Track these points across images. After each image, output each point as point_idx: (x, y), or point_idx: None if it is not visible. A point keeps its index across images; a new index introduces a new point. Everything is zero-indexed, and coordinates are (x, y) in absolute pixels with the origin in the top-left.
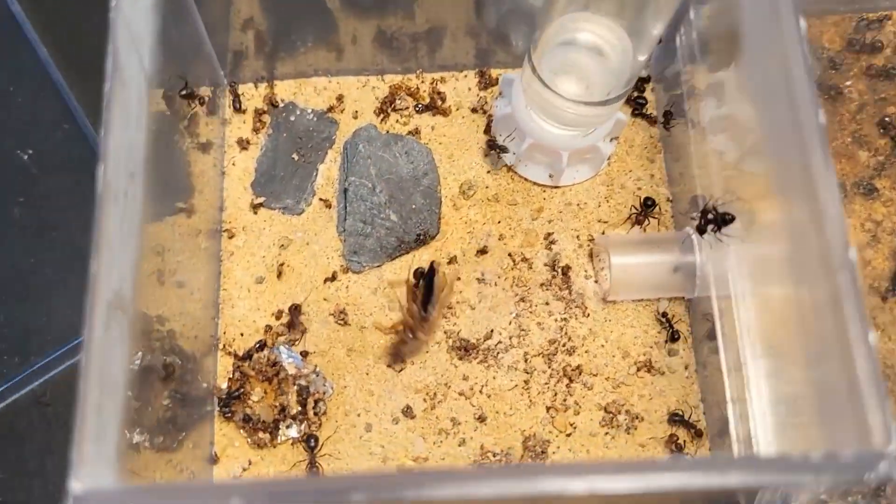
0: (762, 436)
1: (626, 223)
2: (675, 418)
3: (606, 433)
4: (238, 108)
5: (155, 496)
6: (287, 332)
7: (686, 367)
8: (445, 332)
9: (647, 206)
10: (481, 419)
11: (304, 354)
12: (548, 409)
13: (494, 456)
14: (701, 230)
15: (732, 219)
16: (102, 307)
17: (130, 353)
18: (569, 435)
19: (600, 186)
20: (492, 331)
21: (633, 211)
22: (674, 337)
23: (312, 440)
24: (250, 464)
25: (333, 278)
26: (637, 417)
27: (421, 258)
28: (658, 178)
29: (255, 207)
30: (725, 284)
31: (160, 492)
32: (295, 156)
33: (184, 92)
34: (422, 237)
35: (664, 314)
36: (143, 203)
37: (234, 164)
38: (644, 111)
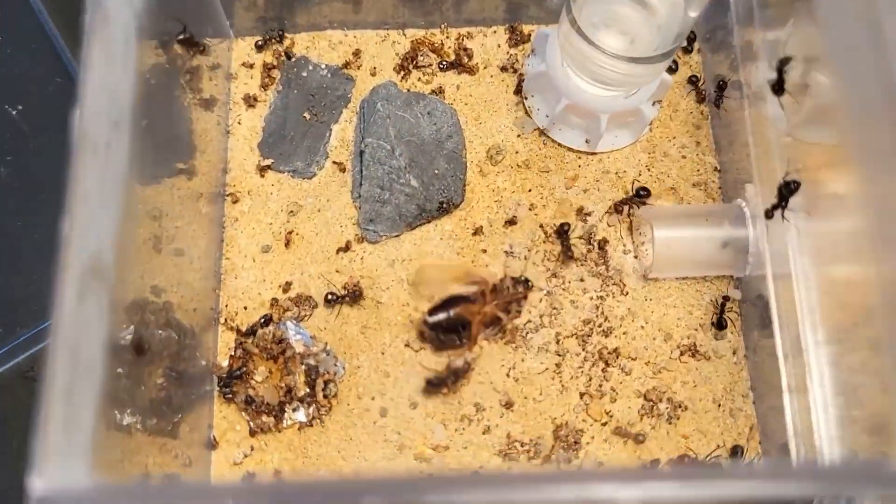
0: (824, 429)
1: (606, 214)
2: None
3: (646, 423)
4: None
5: (136, 498)
6: (295, 306)
7: (734, 352)
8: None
9: (640, 195)
10: (508, 405)
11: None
12: (581, 395)
13: (522, 446)
14: (773, 210)
15: (797, 186)
16: (76, 274)
17: (114, 327)
18: (604, 424)
19: (641, 154)
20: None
21: (625, 196)
22: (721, 324)
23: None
24: (252, 450)
25: (347, 248)
26: (680, 406)
27: (443, 228)
28: (705, 145)
29: (261, 170)
30: (784, 262)
31: (142, 493)
32: (307, 115)
33: (182, 37)
34: (444, 205)
35: (725, 298)
36: (130, 157)
37: (239, 123)
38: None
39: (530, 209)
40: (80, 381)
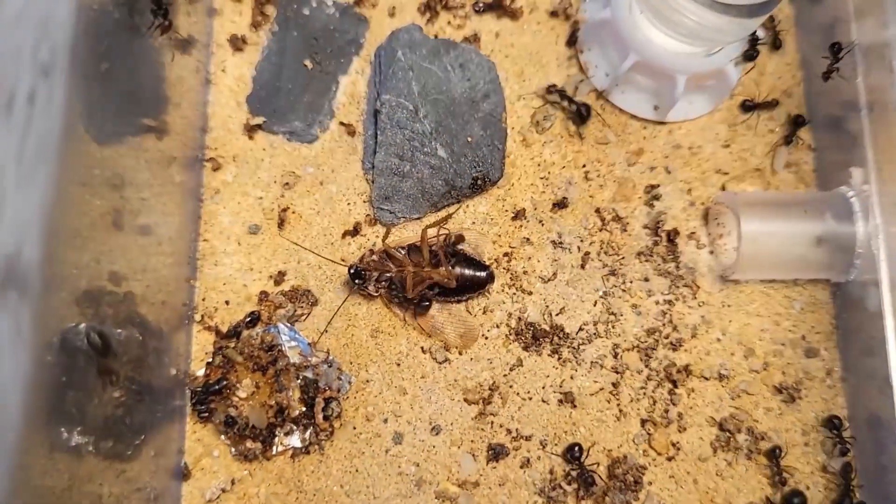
0: None
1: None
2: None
3: (721, 458)
4: None
5: None
6: (289, 302)
7: (828, 374)
8: (508, 314)
9: (798, 123)
10: (553, 433)
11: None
12: (643, 422)
13: (569, 484)
14: None
15: None
16: None
17: (40, 342)
18: (670, 459)
19: (720, 125)
20: (570, 314)
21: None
22: (843, 451)
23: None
24: (234, 483)
25: (356, 232)
26: (762, 438)
27: (477, 209)
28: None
29: (250, 130)
30: None
31: None
32: (308, 63)
33: None
34: (479, 181)
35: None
36: (71, 112)
37: (223, 71)
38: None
39: (584, 189)
40: None
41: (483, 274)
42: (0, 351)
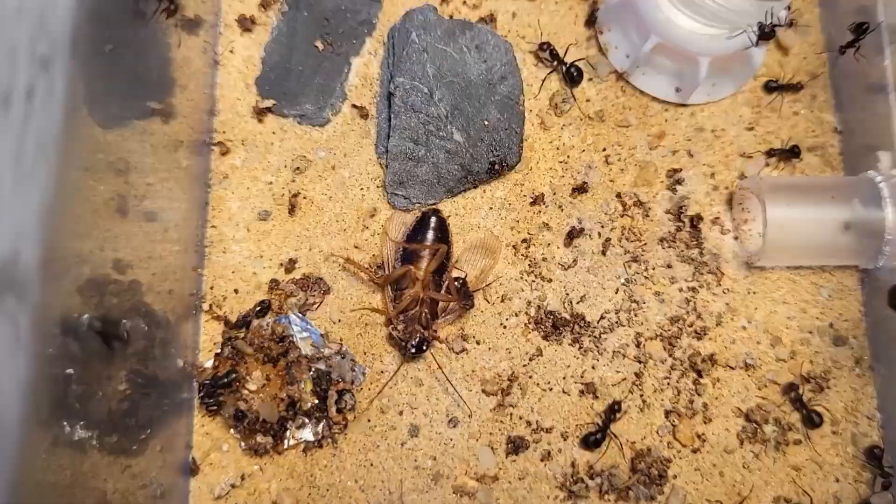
0: None
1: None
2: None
3: (747, 450)
4: None
5: None
6: (300, 291)
7: (857, 362)
8: (527, 302)
9: (794, 152)
10: (574, 424)
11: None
12: (668, 413)
13: (592, 478)
14: None
15: None
16: None
17: (40, 347)
18: (695, 451)
19: (743, 108)
20: (591, 301)
21: (773, 149)
22: (812, 420)
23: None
24: (244, 478)
25: (370, 218)
26: (790, 429)
27: (494, 195)
28: (822, 100)
29: (259, 113)
30: None
31: None
32: (319, 44)
33: None
34: (497, 166)
35: (794, 388)
36: (68, 106)
37: (232, 52)
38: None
39: (605, 174)
40: None
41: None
42: None
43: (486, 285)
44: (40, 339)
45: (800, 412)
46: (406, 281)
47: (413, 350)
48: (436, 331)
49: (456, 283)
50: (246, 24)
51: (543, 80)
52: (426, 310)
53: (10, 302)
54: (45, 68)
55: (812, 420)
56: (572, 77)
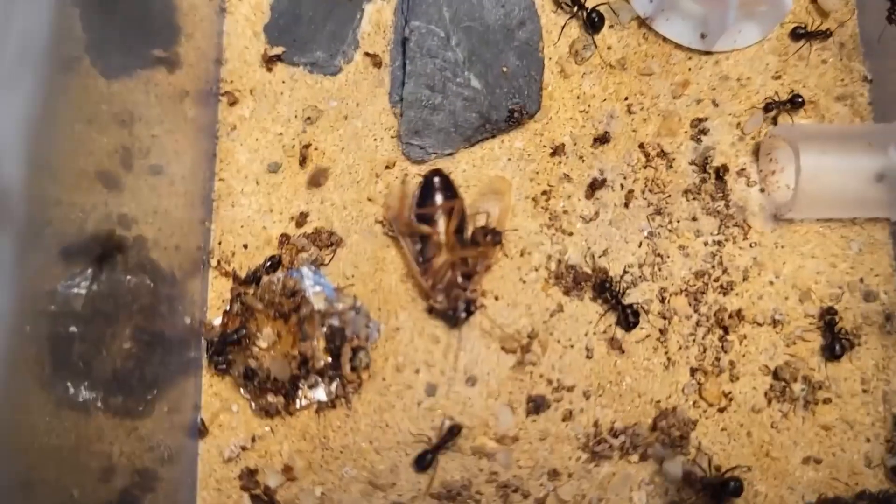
0: None
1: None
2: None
3: (775, 409)
4: None
5: None
6: (312, 245)
7: (888, 318)
8: (547, 256)
9: (796, 103)
10: (597, 383)
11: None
12: (693, 371)
13: (615, 437)
14: None
15: None
16: None
17: (37, 278)
18: (722, 410)
19: (769, 56)
20: (614, 256)
21: (771, 101)
22: (835, 350)
23: None
24: (254, 440)
25: (384, 169)
26: (819, 387)
27: (513, 145)
28: (850, 48)
29: (269, 62)
30: None
31: None
32: None
33: None
34: (516, 115)
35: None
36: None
37: None
38: None
39: (627, 123)
40: None
41: None
42: None
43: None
44: (32, 276)
45: (825, 338)
46: (430, 250)
47: (464, 315)
48: (475, 290)
49: (482, 230)
50: None
51: (563, 26)
52: (460, 271)
53: None
54: None
55: (833, 350)
56: (593, 23)
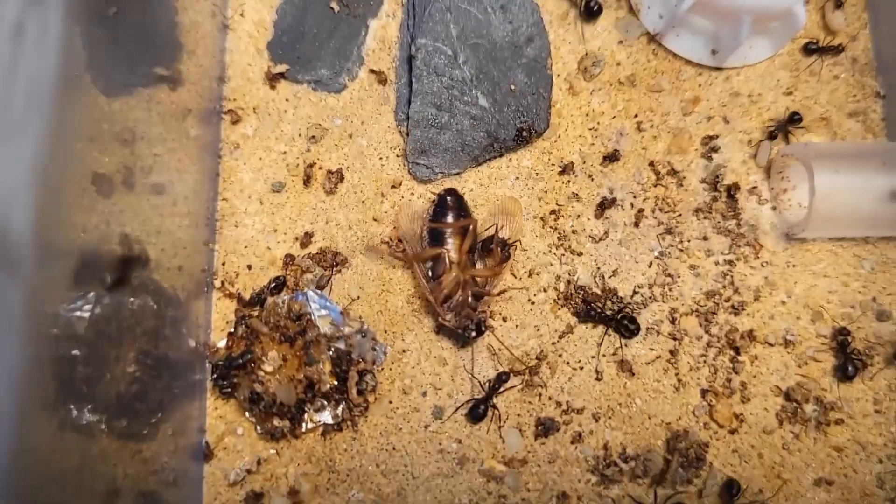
0: None
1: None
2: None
3: (787, 430)
4: None
5: None
6: (317, 266)
7: None
8: (556, 276)
9: (794, 120)
10: (606, 405)
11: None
12: (704, 393)
13: (626, 462)
14: None
15: None
16: None
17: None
18: (733, 431)
19: (781, 71)
20: (624, 276)
21: (773, 127)
22: (847, 370)
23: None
24: (260, 463)
25: (390, 189)
26: (832, 408)
27: (521, 164)
28: (864, 62)
29: (272, 79)
30: None
31: None
32: (335, 5)
33: None
34: (524, 133)
35: (844, 333)
36: (66, 54)
37: (242, 15)
38: None
39: (637, 141)
40: None
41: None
42: None
43: (515, 245)
44: (37, 312)
45: (837, 358)
46: (441, 267)
47: (473, 334)
48: (485, 310)
49: (494, 239)
50: None
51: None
52: (470, 290)
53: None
54: (38, 2)
55: (846, 371)
56: (591, 11)
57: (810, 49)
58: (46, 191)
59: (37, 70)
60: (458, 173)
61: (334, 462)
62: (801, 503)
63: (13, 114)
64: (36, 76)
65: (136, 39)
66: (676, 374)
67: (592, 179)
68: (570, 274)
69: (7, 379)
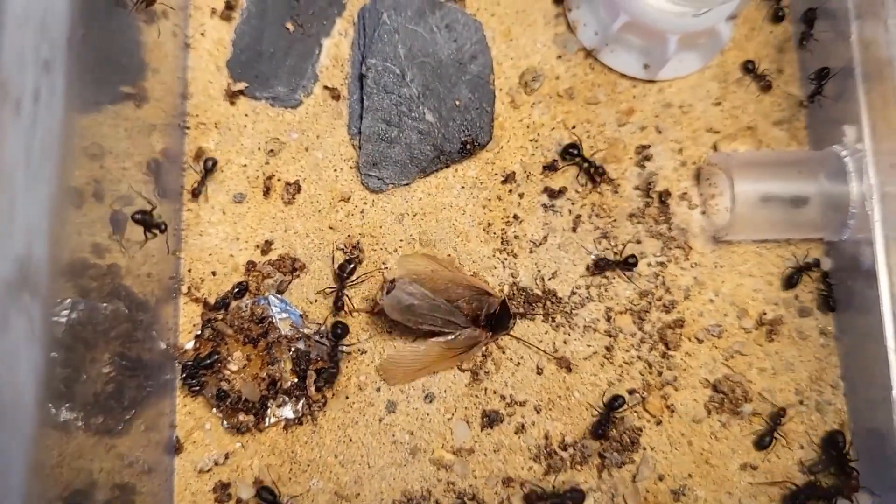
0: None
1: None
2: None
3: (714, 419)
4: None
5: None
6: (277, 271)
7: (823, 333)
8: (499, 279)
9: (569, 154)
10: (547, 398)
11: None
12: (638, 385)
13: (564, 450)
14: None
15: None
16: None
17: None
18: (664, 421)
19: (710, 83)
20: (562, 278)
21: (604, 259)
22: (830, 305)
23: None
24: (227, 456)
25: (344, 200)
26: (757, 398)
27: (466, 174)
28: (789, 73)
29: (232, 96)
30: None
31: None
32: (290, 25)
33: None
34: (468, 146)
35: (811, 265)
36: (66, 104)
37: (202, 35)
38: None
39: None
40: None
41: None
42: (17, 353)
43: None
44: (48, 329)
45: (769, 432)
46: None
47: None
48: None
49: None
50: (216, 5)
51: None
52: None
53: (25, 298)
54: (48, 70)
55: (764, 444)
56: (598, 174)
57: (748, 69)
58: (57, 221)
59: (49, 124)
60: (407, 184)
61: (296, 454)
62: (728, 486)
63: (34, 165)
64: (48, 130)
65: (102, 59)
66: (612, 368)
67: (533, 187)
68: (512, 276)
69: (34, 381)
